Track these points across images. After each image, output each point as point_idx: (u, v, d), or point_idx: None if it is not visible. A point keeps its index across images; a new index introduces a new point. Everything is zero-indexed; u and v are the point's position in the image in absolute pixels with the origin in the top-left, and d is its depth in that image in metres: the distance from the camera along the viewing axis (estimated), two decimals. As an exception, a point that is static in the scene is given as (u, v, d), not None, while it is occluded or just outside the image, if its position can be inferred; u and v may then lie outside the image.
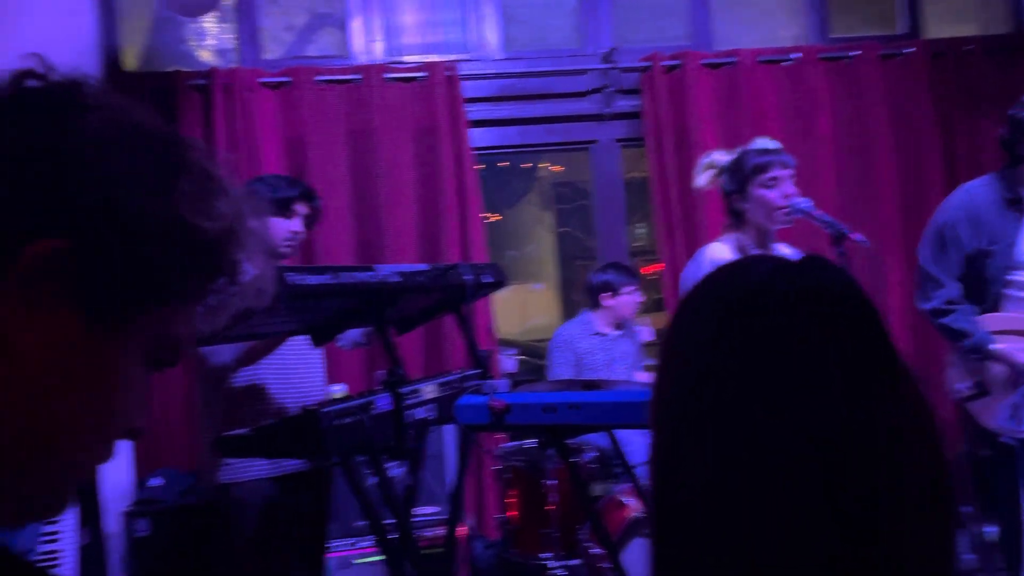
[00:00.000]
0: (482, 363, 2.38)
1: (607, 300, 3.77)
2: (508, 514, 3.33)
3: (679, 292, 3.18)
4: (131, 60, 3.93)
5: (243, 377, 2.57)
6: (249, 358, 2.53)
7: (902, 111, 4.10)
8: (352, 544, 3.24)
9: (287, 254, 2.68)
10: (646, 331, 3.94)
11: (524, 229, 7.35)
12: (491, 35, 4.16)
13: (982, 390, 2.70)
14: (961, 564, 3.00)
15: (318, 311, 2.10)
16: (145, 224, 0.55)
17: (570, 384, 2.49)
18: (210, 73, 3.72)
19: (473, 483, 3.76)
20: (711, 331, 0.70)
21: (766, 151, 2.47)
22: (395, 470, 3.11)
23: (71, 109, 0.55)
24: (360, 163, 3.84)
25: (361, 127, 3.84)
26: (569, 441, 2.80)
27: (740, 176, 2.46)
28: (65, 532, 2.33)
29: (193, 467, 3.46)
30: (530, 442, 3.37)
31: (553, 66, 4.12)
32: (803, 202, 2.40)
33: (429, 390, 2.14)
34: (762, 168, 2.43)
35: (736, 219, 2.50)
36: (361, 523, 3.17)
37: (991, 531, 2.87)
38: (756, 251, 2.46)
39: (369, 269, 2.05)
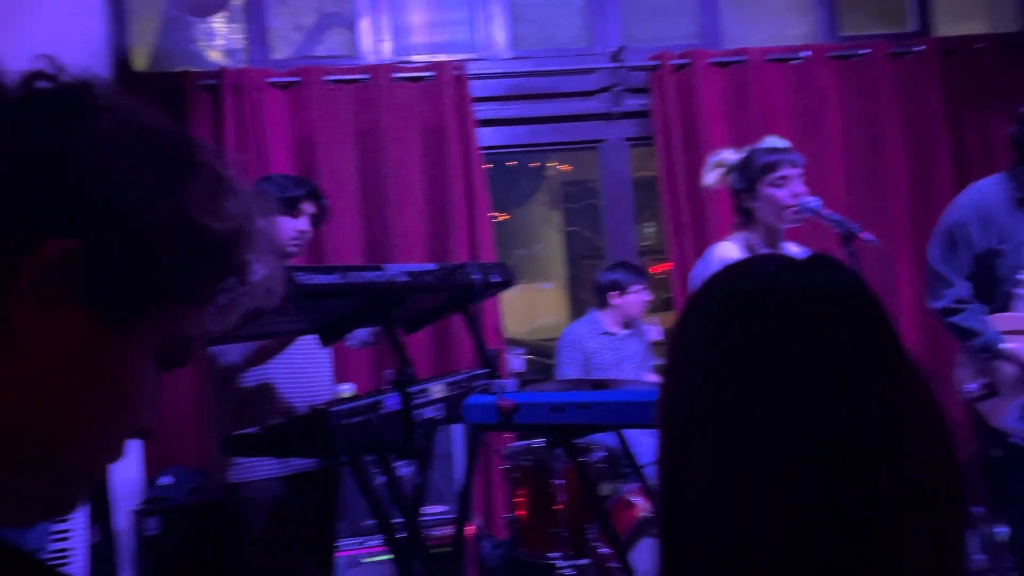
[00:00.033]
0: (490, 362, 2.38)
1: (615, 299, 3.77)
2: (516, 513, 3.33)
3: (688, 291, 3.17)
4: (141, 60, 3.94)
5: (252, 377, 2.57)
6: (258, 358, 2.53)
7: (912, 109, 4.08)
8: (360, 543, 3.25)
9: (294, 253, 2.68)
10: (654, 330, 3.93)
11: (532, 228, 7.34)
12: (499, 34, 4.16)
13: (992, 390, 2.69)
14: (971, 564, 2.98)
15: (327, 311, 2.11)
16: (154, 225, 0.55)
17: (578, 384, 2.49)
18: (219, 73, 3.73)
19: (481, 482, 3.76)
20: (715, 330, 0.70)
21: (775, 150, 2.47)
22: (403, 469, 3.11)
23: (81, 111, 0.55)
24: (368, 162, 3.84)
25: (369, 127, 3.84)
26: (577, 440, 2.80)
27: (749, 175, 2.45)
28: (75, 530, 2.34)
29: (202, 466, 3.47)
30: (538, 441, 3.37)
31: (561, 65, 4.11)
32: (812, 201, 2.39)
33: (437, 389, 2.14)
34: (771, 167, 2.42)
35: (745, 218, 2.49)
36: (369, 522, 3.18)
37: (1001, 532, 2.85)
38: (765, 250, 2.45)
39: (377, 269, 2.05)
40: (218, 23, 4.06)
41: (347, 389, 3.02)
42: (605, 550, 3.02)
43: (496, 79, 4.07)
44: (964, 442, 2.93)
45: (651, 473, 2.75)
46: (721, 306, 0.71)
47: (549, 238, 7.36)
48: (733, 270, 0.74)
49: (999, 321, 2.69)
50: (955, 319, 2.72)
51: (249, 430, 2.05)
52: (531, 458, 3.31)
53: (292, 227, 2.62)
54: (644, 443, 3.15)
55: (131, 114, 0.58)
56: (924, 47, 4.13)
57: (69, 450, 0.55)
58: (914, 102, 4.09)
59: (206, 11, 3.53)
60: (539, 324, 6.79)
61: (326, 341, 2.27)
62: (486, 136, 4.01)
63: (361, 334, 2.84)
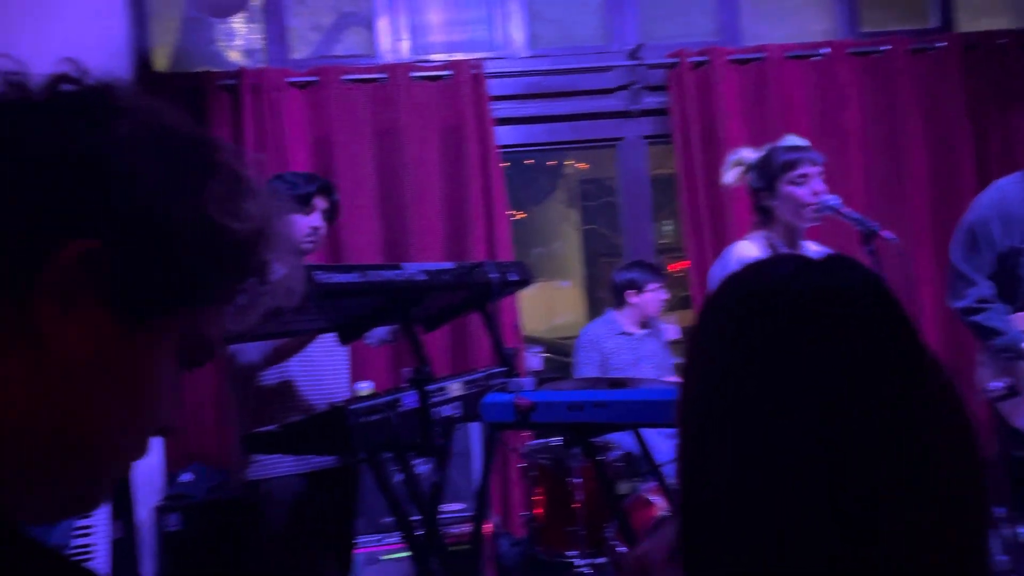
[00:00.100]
0: (508, 361, 2.39)
1: (632, 297, 3.76)
2: (534, 512, 3.34)
3: (706, 290, 3.16)
4: (161, 61, 3.98)
5: (272, 375, 2.59)
6: (277, 357, 2.55)
7: (933, 106, 4.04)
8: (379, 540, 3.26)
9: (309, 250, 2.69)
10: (672, 329, 3.92)
11: (550, 227, 7.34)
12: (517, 33, 4.16)
13: (1014, 390, 2.66)
14: (994, 565, 2.95)
15: (346, 309, 2.12)
16: (176, 225, 0.56)
17: (596, 382, 2.49)
18: (239, 73, 3.76)
19: (499, 480, 3.77)
20: (734, 329, 0.70)
21: (795, 148, 2.45)
22: (421, 467, 3.13)
23: (104, 113, 0.56)
24: (386, 162, 3.85)
25: (387, 126, 3.85)
26: (594, 439, 2.80)
27: (768, 173, 2.44)
28: (98, 526, 2.37)
29: (223, 463, 3.50)
30: (556, 440, 3.37)
31: (579, 63, 4.11)
32: (832, 199, 2.38)
33: (455, 388, 2.15)
34: (791, 165, 2.41)
35: (764, 217, 2.48)
36: (388, 519, 3.19)
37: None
38: (785, 249, 2.44)
39: (396, 267, 2.06)
40: (238, 23, 4.08)
41: (365, 387, 3.04)
42: (623, 549, 3.02)
43: (514, 77, 4.07)
44: (986, 442, 2.90)
45: (669, 472, 2.74)
46: (740, 305, 0.71)
47: (567, 236, 7.35)
48: (752, 270, 0.74)
49: (1022, 320, 2.66)
50: (978, 318, 2.69)
51: (269, 428, 2.06)
52: (549, 456, 3.31)
53: (305, 224, 2.62)
54: (662, 442, 3.14)
55: (152, 116, 0.58)
56: (946, 43, 4.08)
57: (93, 448, 0.56)
58: (935, 99, 4.04)
59: (226, 11, 3.56)
60: (557, 322, 6.79)
61: (345, 340, 2.28)
62: (504, 135, 4.01)
63: (380, 332, 2.85)
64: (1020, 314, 2.67)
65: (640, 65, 4.07)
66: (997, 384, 2.69)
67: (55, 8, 2.82)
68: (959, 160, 4.03)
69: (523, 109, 4.08)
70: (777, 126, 3.78)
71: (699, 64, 4.00)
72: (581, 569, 3.11)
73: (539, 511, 3.31)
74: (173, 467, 3.52)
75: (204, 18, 3.87)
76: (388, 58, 4.04)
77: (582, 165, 7.05)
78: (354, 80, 3.85)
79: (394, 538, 3.21)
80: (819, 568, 0.62)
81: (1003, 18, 4.35)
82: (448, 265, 2.24)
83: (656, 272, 3.81)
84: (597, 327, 3.83)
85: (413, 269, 2.07)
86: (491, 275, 2.27)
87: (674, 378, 3.57)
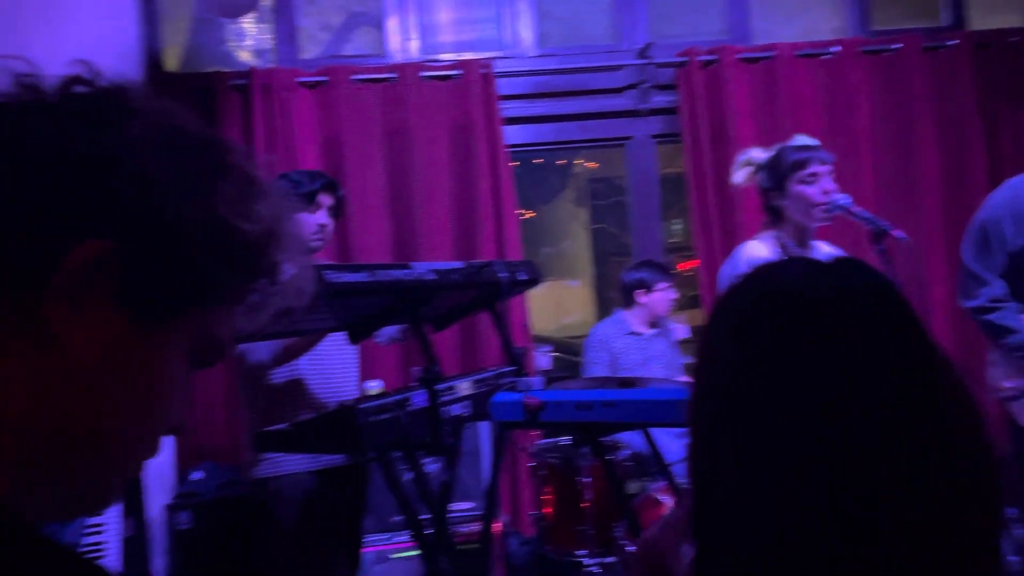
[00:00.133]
0: (517, 360, 2.39)
1: (641, 297, 3.76)
2: (543, 511, 3.34)
3: (716, 289, 3.16)
4: (172, 61, 4.00)
5: (282, 373, 2.60)
6: (286, 356, 2.56)
7: (945, 105, 4.02)
8: (388, 539, 3.27)
9: (318, 247, 2.69)
10: (681, 328, 3.92)
11: (559, 226, 7.34)
12: (526, 32, 4.16)
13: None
14: (1006, 566, 2.94)
15: (355, 309, 2.13)
16: (187, 226, 0.56)
17: (605, 382, 2.49)
18: (249, 73, 3.77)
19: (508, 480, 3.77)
20: (745, 330, 0.71)
21: (805, 147, 2.44)
22: (431, 466, 3.14)
23: (116, 115, 0.56)
24: (396, 161, 3.86)
25: (397, 125, 3.86)
26: (604, 439, 2.80)
27: (778, 173, 2.43)
28: (109, 524, 2.39)
29: (233, 461, 3.51)
30: (565, 439, 3.37)
31: (588, 62, 4.11)
32: (842, 198, 2.37)
33: (464, 387, 2.15)
34: (800, 164, 2.40)
35: (774, 217, 2.47)
36: (398, 518, 3.20)
37: (1036, 533, 2.80)
38: (795, 249, 2.43)
39: (405, 267, 2.07)
40: (248, 23, 4.10)
41: (375, 386, 3.05)
42: (632, 548, 3.02)
43: (523, 77, 4.07)
44: (999, 442, 2.89)
45: (678, 471, 2.74)
46: (751, 307, 0.72)
47: (576, 235, 7.35)
48: (763, 272, 0.75)
49: (1034, 320, 2.65)
50: (990, 317, 2.68)
51: (279, 426, 2.07)
52: (558, 456, 3.31)
53: (312, 221, 2.62)
54: (671, 441, 3.14)
55: (164, 117, 0.59)
56: (957, 41, 4.06)
57: (105, 448, 0.56)
58: (947, 97, 4.02)
59: (236, 12, 3.57)
60: (566, 322, 6.79)
61: (355, 339, 2.28)
62: (513, 134, 4.02)
63: (390, 331, 2.86)
64: (1032, 314, 2.65)
65: (649, 64, 4.07)
66: (1009, 384, 2.68)
67: (67, 9, 2.83)
68: (971, 159, 4.00)
69: (532, 108, 4.08)
70: (787, 125, 3.77)
71: (709, 63, 3.99)
72: (590, 568, 3.11)
73: (548, 510, 3.32)
74: (184, 465, 3.54)
75: (214, 18, 3.89)
76: (397, 58, 4.05)
77: (591, 164, 7.05)
78: (363, 80, 3.86)
79: (403, 537, 3.22)
80: (819, 568, 0.63)
81: (1015, 16, 4.32)
82: (457, 264, 2.24)
83: (665, 271, 3.81)
84: (606, 327, 3.83)
85: (422, 268, 2.08)
86: (500, 274, 2.27)
87: (683, 378, 3.57)
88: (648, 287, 3.74)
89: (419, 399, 1.99)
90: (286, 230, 0.63)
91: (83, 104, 0.57)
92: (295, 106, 3.78)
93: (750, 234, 2.77)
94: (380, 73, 3.88)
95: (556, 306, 6.83)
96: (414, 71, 3.87)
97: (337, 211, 2.72)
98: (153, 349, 0.57)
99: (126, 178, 0.54)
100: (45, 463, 0.54)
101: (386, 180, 3.85)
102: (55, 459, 0.54)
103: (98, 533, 2.42)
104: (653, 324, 3.81)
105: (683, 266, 5.53)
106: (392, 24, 4.11)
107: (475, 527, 3.25)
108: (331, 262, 3.13)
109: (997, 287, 2.69)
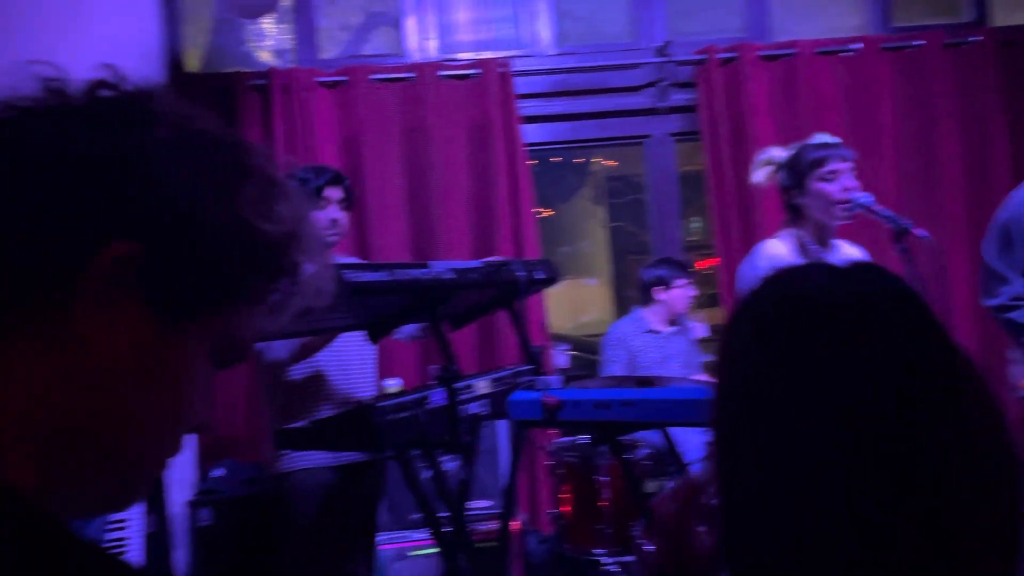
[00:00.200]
0: (535, 359, 2.39)
1: (660, 294, 3.75)
2: (561, 509, 3.34)
3: (735, 288, 3.14)
4: (193, 62, 4.03)
5: (302, 370, 2.62)
6: (304, 353, 2.58)
7: (968, 102, 3.98)
8: (407, 536, 3.28)
9: (333, 243, 2.69)
10: (701, 327, 3.90)
11: (577, 224, 7.33)
12: (544, 31, 4.16)
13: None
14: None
15: (374, 308, 2.14)
16: (211, 228, 0.57)
17: (623, 381, 2.49)
18: (269, 73, 3.80)
19: (526, 478, 3.77)
20: (767, 333, 0.71)
21: (825, 145, 2.43)
22: (449, 464, 3.14)
23: (141, 118, 0.57)
24: (414, 160, 3.87)
25: (415, 125, 3.87)
26: (622, 437, 2.80)
27: (798, 170, 2.42)
28: (132, 520, 2.41)
29: (254, 458, 3.54)
30: (583, 438, 3.37)
31: (606, 61, 4.10)
32: (864, 197, 2.35)
33: (482, 385, 2.16)
34: (820, 162, 2.38)
35: (794, 215, 2.46)
36: (416, 516, 3.21)
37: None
38: (815, 247, 2.42)
39: (424, 266, 2.07)
40: (267, 24, 4.13)
41: (394, 384, 3.06)
42: (650, 547, 3.01)
43: (541, 75, 4.07)
44: (1020, 441, 2.86)
45: (696, 470, 2.73)
46: (774, 310, 0.72)
47: (594, 234, 7.33)
48: (785, 275, 0.76)
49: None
50: (1011, 316, 2.65)
51: (299, 424, 2.09)
52: (576, 454, 3.31)
53: (322, 217, 2.62)
54: (690, 440, 3.13)
55: (188, 121, 0.60)
56: (981, 37, 4.02)
57: (131, 447, 0.57)
58: (970, 95, 3.98)
59: (256, 12, 3.60)
60: (584, 320, 6.78)
61: (374, 338, 2.29)
62: (531, 133, 4.02)
63: (410, 328, 2.87)
64: (1056, 313, 2.62)
65: (668, 62, 4.05)
66: (1032, 384, 2.65)
67: (90, 12, 2.87)
68: (993, 157, 3.96)
69: (550, 107, 4.08)
70: (808, 123, 3.74)
71: (728, 60, 3.98)
72: (608, 567, 3.11)
73: (566, 509, 3.31)
74: (206, 462, 3.57)
75: (235, 19, 3.91)
76: (416, 57, 4.06)
77: (609, 162, 7.03)
78: (382, 79, 3.87)
79: (422, 535, 3.23)
80: (837, 572, 0.63)
81: (1039, 11, 4.27)
82: (475, 263, 2.24)
83: (684, 268, 3.80)
84: (624, 325, 3.82)
85: (441, 267, 2.08)
86: (518, 273, 2.28)
87: (702, 376, 3.56)
88: (667, 284, 3.73)
89: (437, 397, 2.00)
90: (307, 230, 0.64)
91: (109, 108, 0.58)
92: (314, 106, 3.80)
93: (769, 232, 2.76)
94: (399, 73, 3.89)
95: (574, 305, 6.82)
96: (432, 70, 3.88)
97: (348, 203, 2.70)
98: (177, 349, 0.58)
99: (151, 181, 0.55)
100: (72, 461, 0.55)
101: (404, 179, 3.86)
102: (81, 457, 0.55)
103: (121, 529, 2.44)
104: (672, 322, 3.80)
105: (702, 264, 5.51)
106: (410, 24, 4.12)
107: (493, 525, 3.26)
108: (348, 260, 3.14)
109: (1019, 285, 2.66)
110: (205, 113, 0.62)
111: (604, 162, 7.02)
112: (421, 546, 3.25)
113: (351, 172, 3.60)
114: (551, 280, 2.51)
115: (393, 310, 2.16)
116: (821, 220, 2.41)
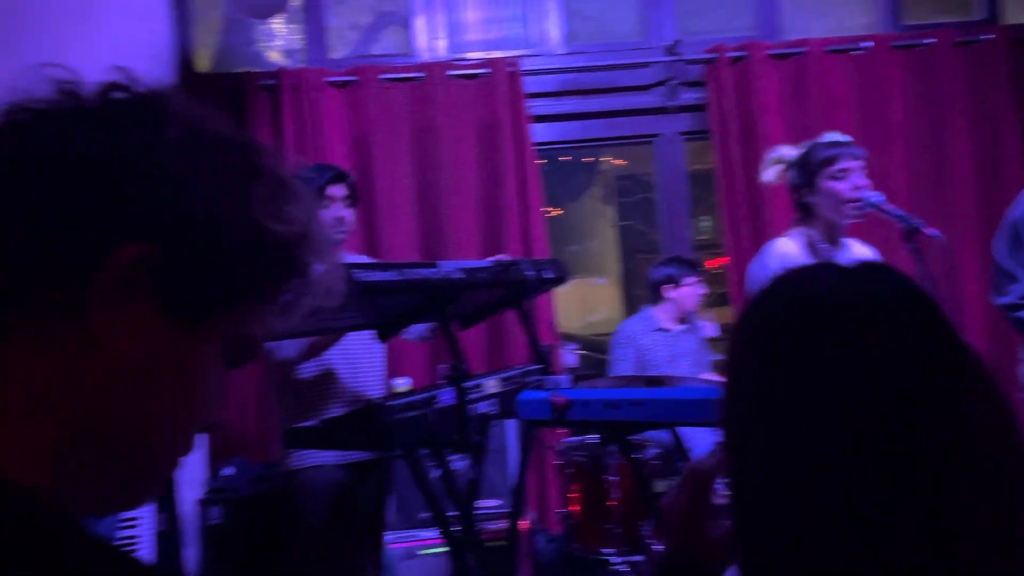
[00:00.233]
0: (544, 358, 2.39)
1: (669, 292, 3.74)
2: (570, 509, 3.34)
3: (745, 287, 3.14)
4: (203, 62, 4.05)
5: (311, 369, 2.63)
6: (312, 351, 2.58)
7: (979, 101, 3.95)
8: (416, 535, 3.29)
9: (340, 241, 2.68)
10: (710, 326, 3.89)
11: (586, 223, 7.32)
12: (553, 30, 4.16)
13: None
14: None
15: (384, 307, 2.14)
16: (223, 229, 0.57)
17: (632, 380, 2.49)
18: (279, 73, 3.81)
19: (535, 477, 3.78)
20: (771, 336, 0.71)
21: (835, 143, 2.42)
22: (458, 463, 3.15)
23: (154, 120, 0.58)
24: (424, 160, 3.88)
25: (425, 124, 3.88)
26: (631, 437, 2.79)
27: (808, 169, 2.41)
28: (143, 518, 2.42)
29: (264, 456, 3.55)
30: (592, 437, 3.37)
31: (616, 60, 4.09)
32: (874, 195, 2.34)
33: (491, 385, 2.16)
34: (830, 160, 2.38)
35: (804, 214, 2.45)
36: (425, 515, 3.22)
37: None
38: (825, 246, 2.41)
39: (433, 266, 2.08)
40: (277, 24, 4.14)
41: (403, 383, 3.07)
42: (659, 547, 3.01)
43: (550, 75, 4.07)
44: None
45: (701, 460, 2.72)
46: (783, 310, 0.72)
47: (603, 233, 7.33)
48: (793, 276, 0.75)
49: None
50: (1022, 314, 2.64)
51: (308, 423, 2.09)
52: (585, 454, 3.31)
53: (328, 215, 2.62)
54: (699, 440, 3.13)
55: (199, 122, 0.60)
56: (992, 36, 4.00)
57: (145, 446, 0.58)
58: (981, 93, 3.96)
59: (266, 12, 3.61)
60: (593, 319, 6.77)
61: (383, 337, 2.30)
62: (540, 132, 4.02)
63: (420, 328, 2.88)
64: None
65: (678, 61, 4.05)
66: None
67: (101, 13, 2.88)
68: (1005, 155, 3.94)
69: (559, 106, 4.08)
70: (818, 122, 3.73)
71: (738, 59, 3.97)
72: (617, 566, 3.11)
73: (575, 508, 3.31)
74: (216, 461, 3.59)
75: (245, 19, 3.93)
76: (425, 57, 4.06)
77: (619, 161, 7.02)
78: (391, 79, 3.88)
79: (431, 533, 3.24)
80: (837, 573, 0.63)
81: (1052, 9, 4.24)
82: (485, 263, 2.25)
83: (693, 267, 3.79)
84: (633, 324, 3.81)
85: (450, 267, 2.09)
86: (527, 272, 2.28)
87: (711, 375, 3.55)
88: (676, 282, 3.73)
89: (446, 397, 2.00)
90: (317, 231, 0.64)
91: (122, 110, 0.58)
92: (324, 106, 3.81)
93: (779, 231, 2.75)
94: (408, 72, 3.90)
95: (583, 304, 6.82)
96: (441, 70, 3.88)
97: (352, 200, 2.69)
98: (190, 349, 0.59)
99: (164, 182, 0.56)
100: (85, 460, 0.55)
101: (414, 179, 3.86)
102: (95, 456, 0.56)
103: (132, 527, 2.45)
104: (682, 320, 3.80)
105: (712, 263, 5.50)
106: (420, 23, 4.13)
107: (502, 524, 3.26)
108: (358, 259, 3.15)
109: (1031, 285, 2.65)
110: (216, 113, 0.62)
111: (613, 161, 7.01)
112: (430, 545, 3.26)
113: (360, 172, 3.61)
114: (560, 279, 2.51)
115: (402, 309, 2.17)
116: (831, 219, 2.40)
